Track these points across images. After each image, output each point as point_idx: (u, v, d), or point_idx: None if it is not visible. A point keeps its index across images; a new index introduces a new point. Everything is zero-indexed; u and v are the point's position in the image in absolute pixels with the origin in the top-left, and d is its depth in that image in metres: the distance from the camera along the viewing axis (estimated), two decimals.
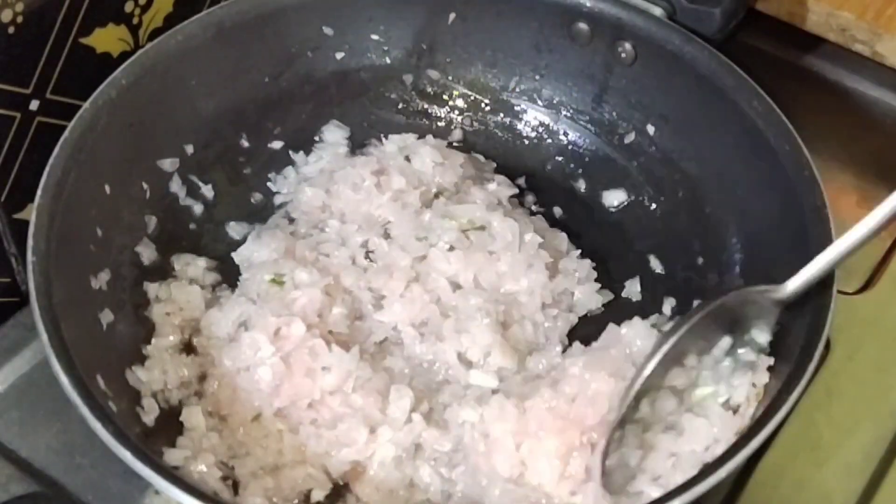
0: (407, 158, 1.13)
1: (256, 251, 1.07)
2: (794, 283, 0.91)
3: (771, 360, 0.93)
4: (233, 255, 1.08)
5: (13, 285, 1.05)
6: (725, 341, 0.93)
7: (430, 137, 1.16)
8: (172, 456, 0.92)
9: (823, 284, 0.91)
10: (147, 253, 1.03)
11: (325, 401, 0.96)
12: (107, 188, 0.98)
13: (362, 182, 1.10)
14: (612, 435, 0.89)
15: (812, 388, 1.04)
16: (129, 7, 1.06)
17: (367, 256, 1.07)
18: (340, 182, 1.10)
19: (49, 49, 0.99)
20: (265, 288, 1.02)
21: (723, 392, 0.93)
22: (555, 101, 1.18)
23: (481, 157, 1.18)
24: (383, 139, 1.16)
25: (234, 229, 1.11)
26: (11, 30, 0.94)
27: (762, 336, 0.94)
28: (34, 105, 1.00)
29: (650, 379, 0.89)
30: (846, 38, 1.22)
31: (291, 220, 1.11)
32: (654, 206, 1.14)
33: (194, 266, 1.06)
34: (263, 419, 0.96)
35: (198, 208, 1.08)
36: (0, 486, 0.95)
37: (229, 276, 1.07)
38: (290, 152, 1.15)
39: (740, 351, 0.94)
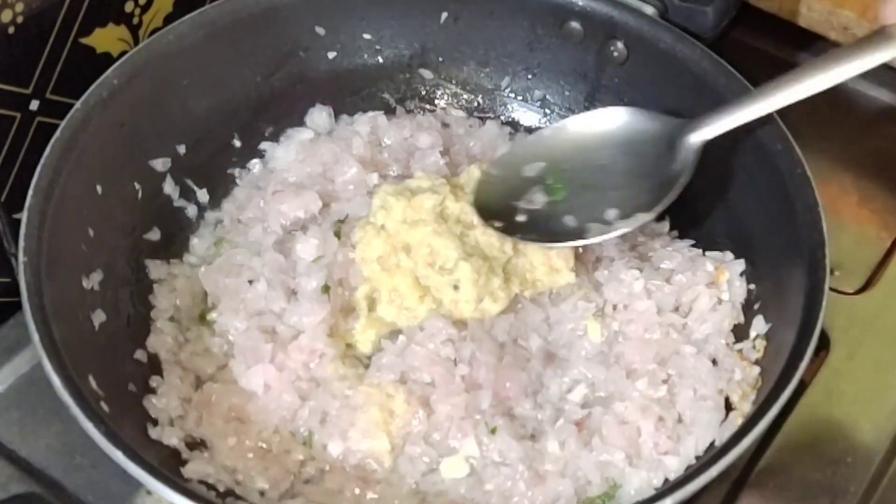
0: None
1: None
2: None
3: None
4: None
5: (13, 285, 1.04)
6: None
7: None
8: (191, 469, 0.92)
9: (816, 282, 0.90)
10: (141, 253, 1.03)
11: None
12: (98, 188, 0.98)
13: None
14: None
15: (812, 388, 1.04)
16: (129, 7, 1.07)
17: None
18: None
19: (49, 49, 1.00)
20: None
21: None
22: (547, 100, 1.18)
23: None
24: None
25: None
26: (11, 30, 0.95)
27: None
28: (34, 105, 1.01)
29: None
30: (847, 37, 1.21)
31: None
32: None
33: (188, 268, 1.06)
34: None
35: (191, 210, 1.08)
36: (0, 485, 0.95)
37: None
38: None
39: None
